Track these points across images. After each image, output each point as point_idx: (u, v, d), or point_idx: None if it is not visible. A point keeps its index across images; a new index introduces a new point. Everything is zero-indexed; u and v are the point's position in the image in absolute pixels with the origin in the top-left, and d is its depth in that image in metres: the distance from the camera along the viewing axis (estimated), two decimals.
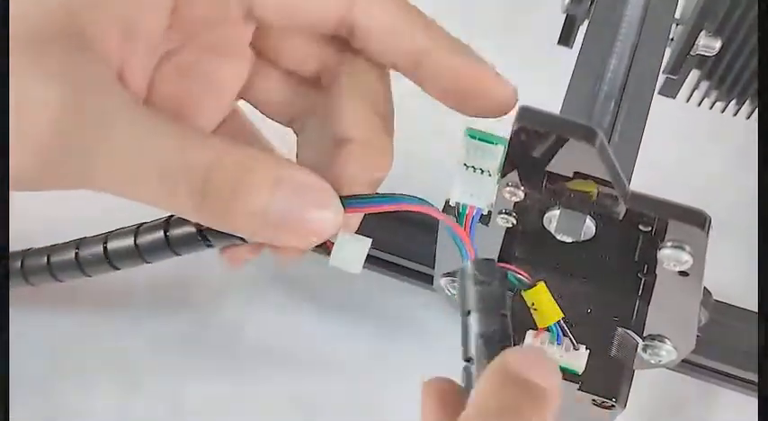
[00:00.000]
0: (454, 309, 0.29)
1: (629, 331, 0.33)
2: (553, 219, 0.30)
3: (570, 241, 0.30)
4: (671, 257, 0.29)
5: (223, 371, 0.44)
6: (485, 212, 0.31)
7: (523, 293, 0.29)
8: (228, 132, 0.29)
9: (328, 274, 0.33)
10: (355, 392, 0.44)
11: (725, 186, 0.48)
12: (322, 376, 0.44)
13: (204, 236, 0.29)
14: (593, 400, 0.32)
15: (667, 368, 0.40)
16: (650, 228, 0.29)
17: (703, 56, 0.38)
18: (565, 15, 0.36)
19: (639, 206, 0.27)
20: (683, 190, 0.46)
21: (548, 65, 0.41)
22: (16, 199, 0.27)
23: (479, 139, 0.29)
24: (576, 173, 0.28)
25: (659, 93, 0.43)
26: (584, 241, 0.31)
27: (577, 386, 0.32)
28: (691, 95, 0.43)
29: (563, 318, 0.30)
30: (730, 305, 0.41)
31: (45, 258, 0.37)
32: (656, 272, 0.31)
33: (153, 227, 0.30)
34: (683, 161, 0.49)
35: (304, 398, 0.44)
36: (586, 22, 0.34)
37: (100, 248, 0.33)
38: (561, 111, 0.30)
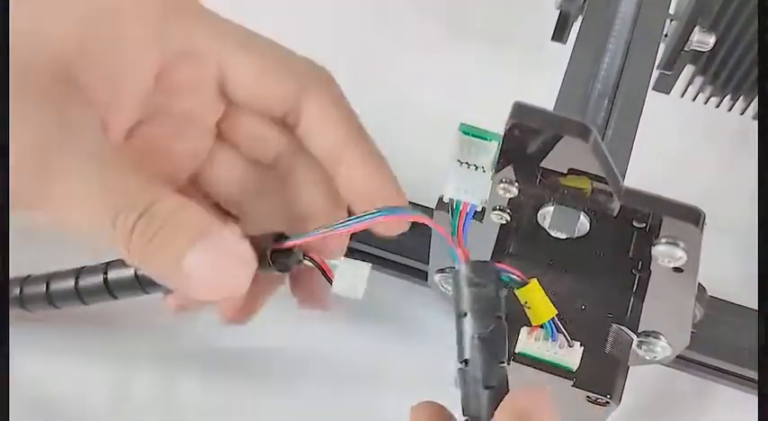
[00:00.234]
0: (449, 305, 0.29)
1: (623, 327, 0.33)
2: (547, 215, 0.29)
3: (564, 238, 0.30)
4: (665, 254, 0.29)
5: (221, 370, 0.44)
6: (478, 208, 0.31)
7: (516, 292, 0.29)
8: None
9: None
10: (353, 391, 0.44)
11: (721, 183, 0.48)
12: (320, 375, 0.44)
13: (140, 281, 0.31)
14: (588, 397, 0.32)
15: (662, 364, 0.40)
16: (644, 225, 0.29)
17: (698, 51, 0.38)
18: (558, 12, 0.36)
19: (633, 202, 0.27)
20: (680, 185, 0.47)
21: (542, 60, 0.41)
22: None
23: (473, 136, 0.29)
24: (570, 169, 0.28)
25: (653, 88, 0.43)
26: (578, 237, 0.31)
27: (572, 383, 0.31)
28: (685, 91, 0.42)
29: (557, 315, 0.30)
30: (725, 301, 0.41)
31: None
32: (651, 268, 0.31)
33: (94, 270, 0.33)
34: (680, 156, 0.49)
35: (303, 398, 0.44)
36: (580, 18, 0.34)
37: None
38: (555, 109, 0.30)
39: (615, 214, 0.30)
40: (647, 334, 0.36)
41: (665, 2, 0.35)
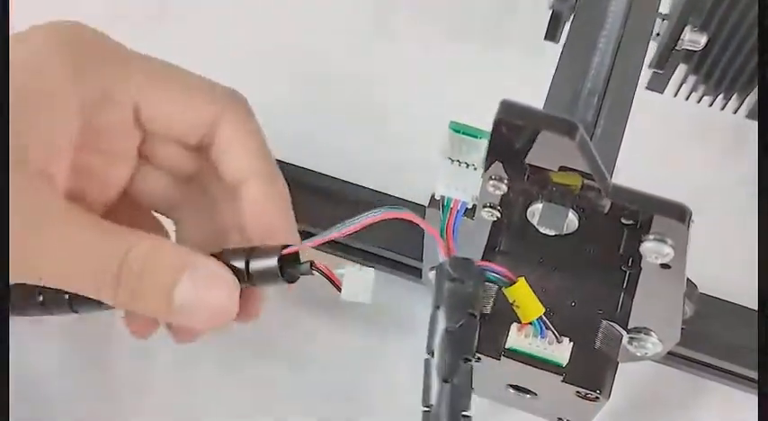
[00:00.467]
0: None
1: (613, 324, 0.33)
2: (536, 212, 0.30)
3: (553, 234, 0.30)
4: (653, 250, 0.29)
5: (213, 363, 0.45)
6: (469, 205, 0.31)
7: (504, 290, 0.30)
8: (123, 216, 0.33)
9: None
10: (345, 385, 0.44)
11: (713, 181, 0.48)
12: (312, 370, 0.45)
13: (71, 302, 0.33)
14: (578, 392, 0.32)
15: (653, 360, 0.40)
16: (632, 222, 0.29)
17: (690, 50, 0.38)
18: (551, 11, 0.36)
19: (621, 199, 0.28)
20: (672, 183, 0.47)
21: (540, 59, 0.42)
22: None
23: (464, 133, 0.29)
24: (560, 167, 0.28)
25: (647, 87, 0.43)
26: (568, 234, 0.31)
27: (561, 378, 0.32)
28: (678, 90, 0.43)
29: (546, 312, 0.31)
30: (716, 298, 0.41)
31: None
32: (641, 265, 0.32)
33: None
34: (672, 155, 0.49)
35: (294, 391, 0.44)
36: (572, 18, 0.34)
37: None
38: (545, 107, 0.30)
39: (606, 211, 0.30)
40: (637, 330, 0.36)
41: (656, 1, 0.35)
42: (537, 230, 0.31)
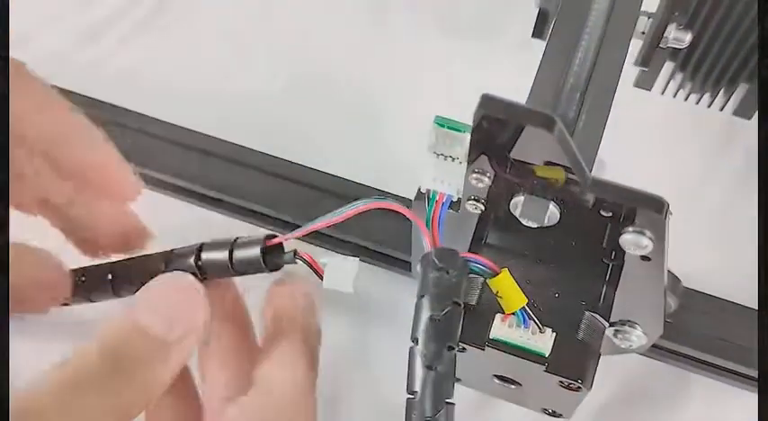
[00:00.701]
0: None
1: (596, 315, 0.34)
2: (518, 204, 0.30)
3: (536, 227, 0.31)
4: (631, 242, 0.30)
5: None
6: (455, 199, 0.32)
7: (488, 282, 0.30)
8: None
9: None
10: (331, 376, 0.45)
11: (702, 177, 0.49)
12: None
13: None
14: (560, 382, 0.33)
15: (639, 353, 0.41)
16: (611, 214, 0.30)
17: (675, 48, 0.39)
18: (537, 10, 0.37)
19: (600, 192, 0.28)
20: (662, 180, 0.48)
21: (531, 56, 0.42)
22: None
23: (448, 128, 0.30)
24: (541, 160, 0.29)
25: (635, 85, 0.44)
26: (552, 227, 0.32)
27: (544, 367, 0.32)
28: (666, 87, 0.43)
29: (530, 303, 0.31)
30: (701, 292, 0.42)
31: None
32: (624, 258, 0.32)
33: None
34: (662, 151, 0.50)
35: None
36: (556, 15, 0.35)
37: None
38: (527, 102, 0.31)
39: (590, 205, 0.31)
40: (622, 323, 0.37)
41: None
42: (521, 223, 0.32)
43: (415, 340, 0.28)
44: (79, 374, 0.26)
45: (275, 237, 0.32)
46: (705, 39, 0.39)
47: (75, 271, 0.38)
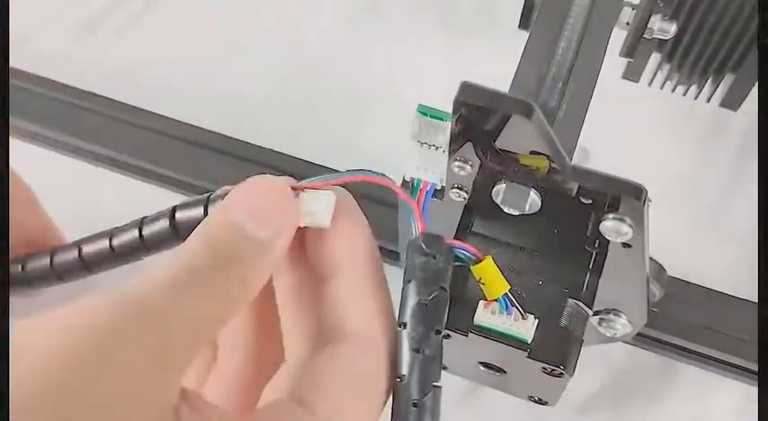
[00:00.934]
0: None
1: (579, 303, 0.34)
2: (500, 192, 0.31)
3: (518, 214, 0.31)
4: (611, 229, 0.30)
5: None
6: (438, 187, 0.32)
7: (472, 268, 0.30)
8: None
9: None
10: None
11: (689, 168, 0.49)
12: None
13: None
14: (543, 368, 0.33)
15: (625, 342, 0.42)
16: (591, 201, 0.30)
17: (661, 39, 0.39)
18: (524, 1, 0.37)
19: (579, 179, 0.29)
20: (650, 171, 0.48)
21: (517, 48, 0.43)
22: None
23: (431, 116, 0.30)
24: (522, 148, 0.29)
25: (623, 76, 0.44)
26: (536, 215, 0.32)
27: (526, 354, 0.33)
28: (653, 78, 0.44)
29: (514, 290, 0.32)
30: (686, 281, 0.42)
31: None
32: (608, 246, 0.33)
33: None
34: (650, 142, 0.50)
35: None
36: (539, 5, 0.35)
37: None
38: (510, 91, 0.31)
39: (573, 194, 0.32)
40: (607, 311, 0.37)
41: None
42: (505, 211, 0.32)
43: (402, 325, 0.28)
44: (189, 272, 0.25)
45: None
46: (690, 29, 0.39)
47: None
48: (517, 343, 0.33)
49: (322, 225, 0.28)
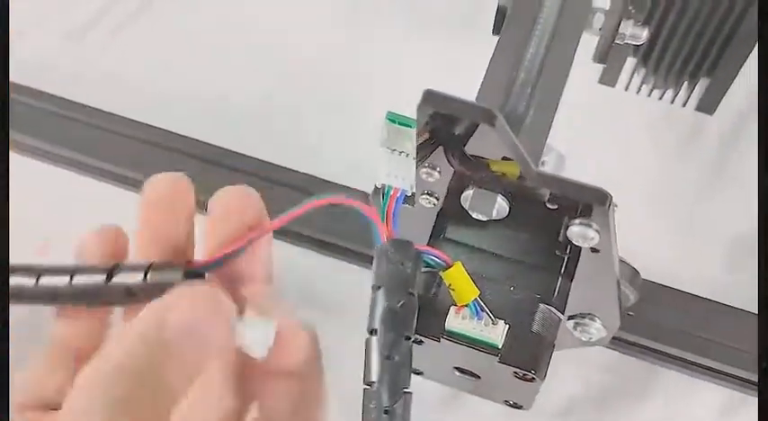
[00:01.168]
0: None
1: (551, 308, 0.34)
2: (468, 198, 0.31)
3: (486, 219, 0.31)
4: (578, 234, 0.30)
5: None
6: (408, 193, 0.32)
7: (441, 274, 0.31)
8: None
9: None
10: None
11: (666, 170, 0.49)
12: None
13: None
14: (515, 373, 0.33)
15: (601, 345, 0.42)
16: (557, 207, 0.30)
17: (635, 45, 0.39)
18: (496, 7, 0.37)
19: (544, 185, 0.29)
20: (628, 175, 0.48)
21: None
22: None
23: (399, 123, 0.31)
24: (488, 154, 0.29)
25: (599, 81, 0.44)
26: (509, 221, 0.32)
27: (497, 358, 0.33)
28: (629, 83, 0.44)
29: (483, 295, 0.32)
30: (662, 285, 0.42)
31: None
32: (580, 251, 0.33)
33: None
34: (629, 147, 0.50)
35: None
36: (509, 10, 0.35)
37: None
38: (477, 96, 0.31)
39: (545, 200, 0.32)
40: (582, 315, 0.37)
41: None
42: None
43: (371, 331, 0.28)
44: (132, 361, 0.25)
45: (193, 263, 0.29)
46: (663, 34, 0.39)
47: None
48: (488, 348, 0.33)
49: (256, 356, 0.27)
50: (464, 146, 0.30)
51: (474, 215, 0.31)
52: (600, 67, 0.43)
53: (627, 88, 0.44)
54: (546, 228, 0.34)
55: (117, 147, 0.50)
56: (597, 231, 0.30)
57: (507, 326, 0.33)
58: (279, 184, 0.48)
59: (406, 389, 0.28)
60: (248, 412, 0.29)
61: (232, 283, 0.29)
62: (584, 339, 0.38)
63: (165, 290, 0.27)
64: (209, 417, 0.28)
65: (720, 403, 0.44)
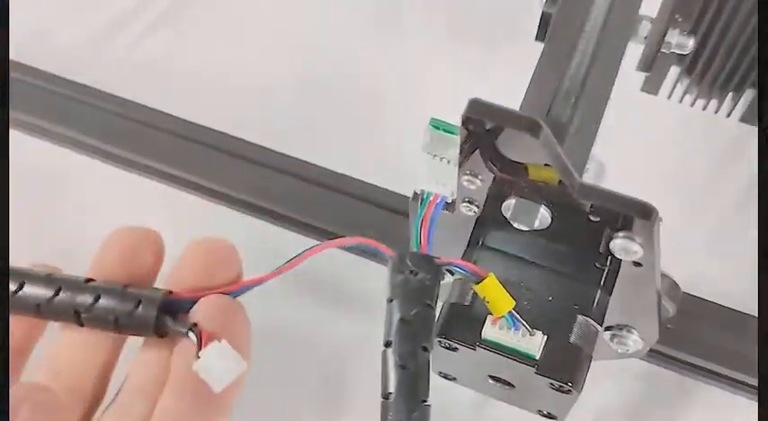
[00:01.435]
0: None
1: (589, 319, 0.34)
2: (510, 207, 0.31)
3: (527, 230, 0.31)
4: (621, 248, 0.30)
5: None
6: (449, 200, 0.32)
7: (474, 287, 0.30)
8: None
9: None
10: (333, 370, 0.45)
11: (708, 181, 0.49)
12: (301, 355, 0.46)
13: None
14: (551, 384, 0.33)
15: (637, 358, 0.41)
16: (599, 219, 0.30)
17: (679, 54, 0.39)
18: (541, 13, 0.37)
19: (588, 197, 0.28)
20: (670, 186, 0.48)
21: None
22: None
23: (442, 130, 0.30)
24: (531, 163, 0.29)
25: (642, 89, 0.44)
26: (548, 230, 0.32)
27: (534, 369, 0.33)
28: (672, 92, 0.43)
29: (521, 305, 0.31)
30: (702, 298, 0.42)
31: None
32: (620, 263, 0.32)
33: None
34: (671, 158, 0.50)
35: (281, 375, 0.45)
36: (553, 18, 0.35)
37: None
38: (521, 106, 0.31)
39: (588, 210, 0.31)
40: (619, 327, 0.37)
41: (636, 3, 0.35)
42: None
43: (387, 343, 0.28)
44: None
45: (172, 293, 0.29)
46: (709, 44, 0.38)
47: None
48: (525, 358, 0.33)
49: (211, 387, 0.27)
50: (497, 154, 0.29)
51: (515, 225, 0.31)
52: (640, 73, 0.42)
53: (669, 97, 0.44)
54: (586, 238, 0.34)
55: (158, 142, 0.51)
56: (641, 245, 0.29)
57: (545, 336, 0.32)
58: (309, 182, 0.48)
59: (425, 402, 0.27)
60: None
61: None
62: (620, 351, 0.38)
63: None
64: None
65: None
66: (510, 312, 0.31)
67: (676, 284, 0.38)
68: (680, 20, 0.37)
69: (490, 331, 0.33)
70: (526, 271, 0.35)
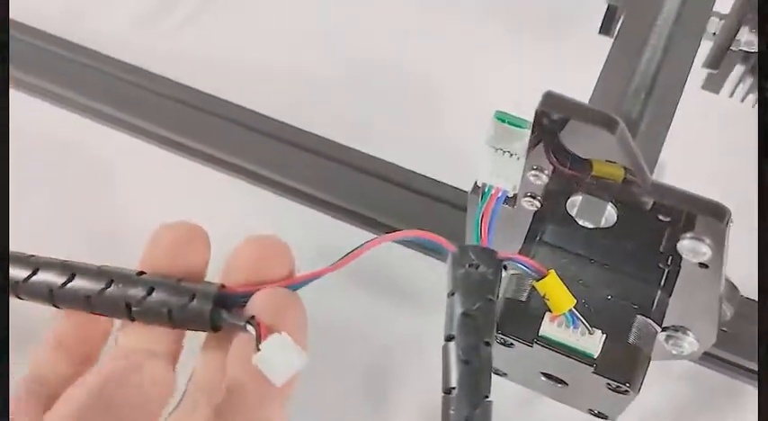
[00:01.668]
0: None
1: (648, 320, 0.33)
2: (575, 204, 0.30)
3: (592, 227, 0.31)
4: (690, 249, 0.29)
5: None
6: (510, 194, 0.32)
7: (535, 284, 0.30)
8: None
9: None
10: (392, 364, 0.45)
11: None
12: (365, 351, 0.46)
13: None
14: (608, 384, 0.33)
15: (690, 360, 0.40)
16: (669, 219, 0.29)
17: (747, 52, 0.38)
18: (606, 6, 0.36)
19: (660, 196, 0.28)
20: (726, 185, 0.47)
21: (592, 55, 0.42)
22: None
23: (508, 123, 0.30)
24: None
25: (702, 87, 0.43)
26: (609, 228, 0.31)
27: (592, 369, 0.32)
28: (734, 91, 0.42)
29: (582, 303, 0.31)
30: (756, 301, 0.41)
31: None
32: (680, 264, 0.32)
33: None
34: (726, 156, 0.49)
35: (332, 368, 0.45)
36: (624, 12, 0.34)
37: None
38: (590, 100, 0.31)
39: (649, 207, 0.31)
40: (675, 329, 0.36)
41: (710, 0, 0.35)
42: (577, 222, 0.31)
43: (449, 337, 0.27)
44: None
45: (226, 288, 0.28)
46: None
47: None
48: (583, 357, 0.32)
49: (272, 380, 0.26)
50: (568, 149, 0.29)
51: (580, 222, 0.30)
52: (701, 70, 0.41)
53: (731, 95, 0.43)
54: (647, 237, 0.33)
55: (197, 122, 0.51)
56: (710, 247, 0.29)
57: (604, 336, 0.32)
58: (356, 170, 0.48)
59: (487, 397, 0.27)
60: None
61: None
62: (674, 352, 0.37)
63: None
64: None
65: None
66: (570, 310, 0.30)
67: (735, 287, 0.37)
68: (751, 17, 0.36)
69: (548, 328, 0.32)
70: (584, 268, 0.35)
